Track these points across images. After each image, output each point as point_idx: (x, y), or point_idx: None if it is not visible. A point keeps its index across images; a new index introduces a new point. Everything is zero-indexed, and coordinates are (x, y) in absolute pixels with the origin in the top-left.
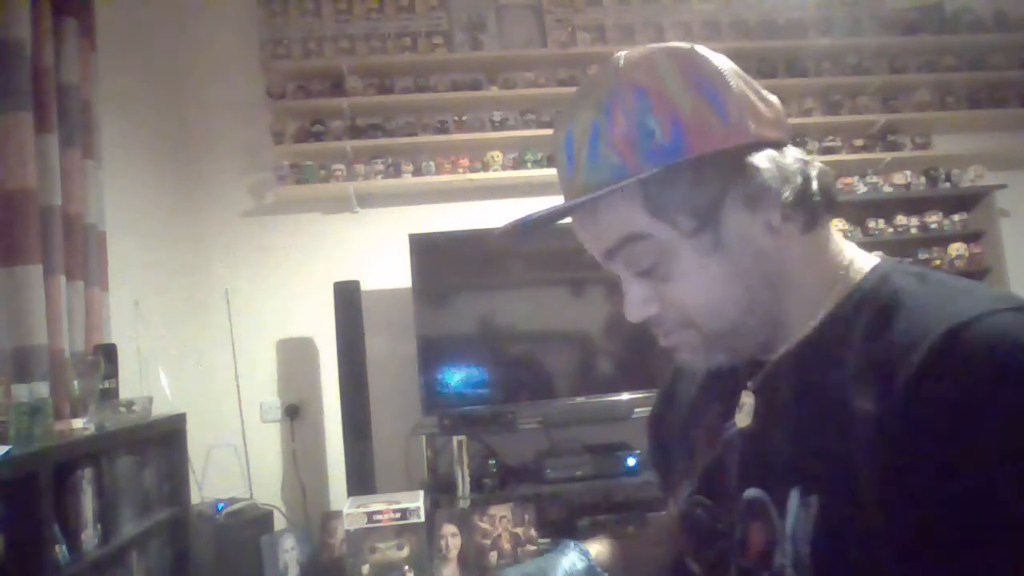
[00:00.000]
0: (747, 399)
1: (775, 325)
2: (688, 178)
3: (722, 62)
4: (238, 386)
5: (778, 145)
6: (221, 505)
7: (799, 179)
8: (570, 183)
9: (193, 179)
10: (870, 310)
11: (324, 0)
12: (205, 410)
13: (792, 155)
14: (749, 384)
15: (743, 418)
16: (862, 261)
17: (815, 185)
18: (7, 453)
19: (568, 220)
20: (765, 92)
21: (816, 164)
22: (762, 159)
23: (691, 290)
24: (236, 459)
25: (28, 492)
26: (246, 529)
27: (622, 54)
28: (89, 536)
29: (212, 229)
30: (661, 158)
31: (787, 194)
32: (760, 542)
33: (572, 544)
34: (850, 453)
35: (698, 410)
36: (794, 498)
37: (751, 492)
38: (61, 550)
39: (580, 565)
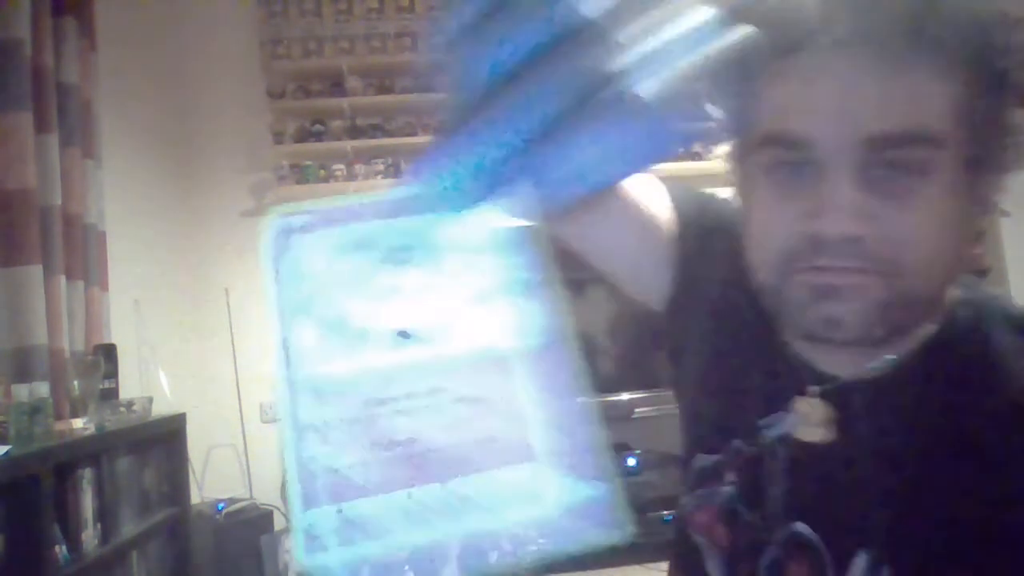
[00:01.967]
0: (815, 409)
1: (916, 322)
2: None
3: None
4: (238, 386)
5: None
6: (221, 505)
7: None
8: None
9: (193, 179)
10: (979, 338)
11: (324, 0)
12: (205, 410)
13: None
14: (813, 390)
15: (810, 431)
16: None
17: None
18: (7, 453)
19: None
20: None
21: None
22: None
23: (926, 229)
24: (236, 459)
25: (28, 492)
26: (246, 529)
27: None
28: (89, 536)
29: (212, 229)
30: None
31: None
32: None
33: None
34: (958, 521)
35: (734, 380)
36: (860, 564)
37: (801, 528)
38: (61, 550)
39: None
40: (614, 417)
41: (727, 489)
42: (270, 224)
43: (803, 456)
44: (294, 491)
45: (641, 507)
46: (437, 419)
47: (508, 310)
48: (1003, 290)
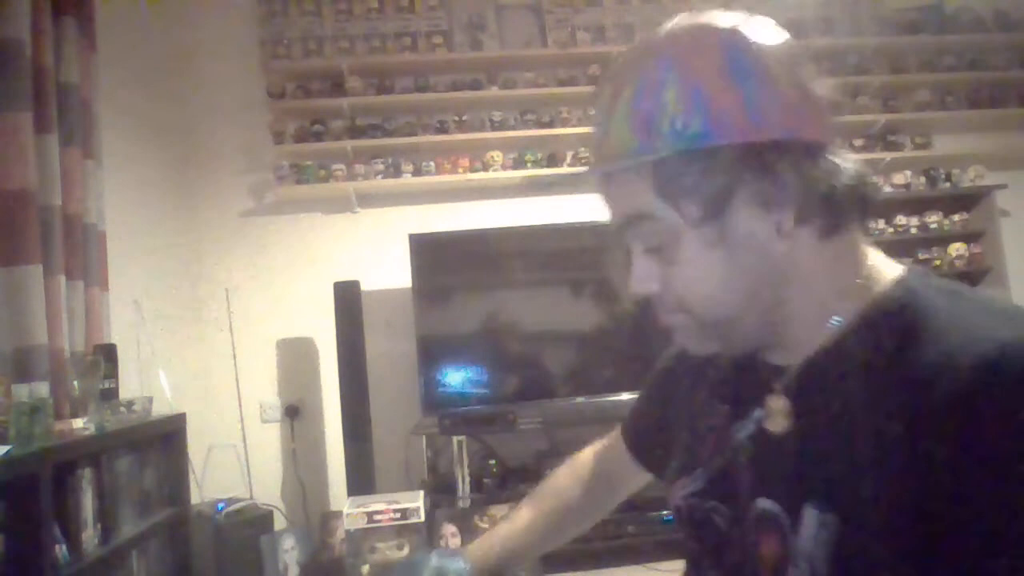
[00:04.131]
0: (777, 403)
1: (774, 325)
2: (700, 167)
3: (772, 47)
4: (238, 386)
5: (814, 146)
6: (221, 505)
7: (823, 184)
8: (597, 147)
9: (193, 179)
10: (895, 324)
11: (324, 0)
12: (205, 410)
13: (827, 158)
14: (776, 387)
15: (777, 422)
16: (885, 270)
17: (843, 191)
18: (7, 453)
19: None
20: (818, 85)
21: (852, 169)
22: (782, 159)
23: (690, 278)
24: (236, 459)
25: (28, 492)
26: (246, 529)
27: (674, 21)
28: (89, 536)
29: (212, 229)
30: (676, 142)
31: (805, 198)
32: (772, 556)
33: (434, 554)
34: (876, 473)
35: (703, 407)
36: (810, 515)
37: (763, 503)
38: (61, 550)
39: (452, 567)
40: (613, 417)
41: (698, 484)
42: None
43: (766, 443)
44: None
45: (641, 507)
46: None
47: None
48: (1002, 290)
